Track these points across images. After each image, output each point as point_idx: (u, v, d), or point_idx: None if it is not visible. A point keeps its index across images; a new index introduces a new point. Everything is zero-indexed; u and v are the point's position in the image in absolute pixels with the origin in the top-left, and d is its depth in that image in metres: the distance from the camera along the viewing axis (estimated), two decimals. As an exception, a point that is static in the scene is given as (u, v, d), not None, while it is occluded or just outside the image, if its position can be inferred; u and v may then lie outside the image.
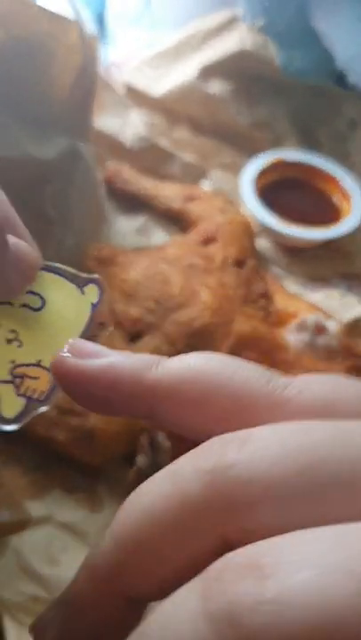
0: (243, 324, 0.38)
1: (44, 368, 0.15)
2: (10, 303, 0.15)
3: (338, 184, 0.51)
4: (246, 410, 0.12)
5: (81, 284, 0.16)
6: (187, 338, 0.37)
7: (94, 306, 0.16)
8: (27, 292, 0.16)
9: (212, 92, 0.53)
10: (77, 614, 0.12)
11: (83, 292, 0.16)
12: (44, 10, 0.41)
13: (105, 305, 0.16)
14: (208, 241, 0.44)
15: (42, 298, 0.16)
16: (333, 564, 0.09)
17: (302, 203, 0.52)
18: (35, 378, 0.15)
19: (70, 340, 0.14)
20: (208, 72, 0.53)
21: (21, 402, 0.15)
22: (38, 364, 0.15)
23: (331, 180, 0.51)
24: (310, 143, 0.55)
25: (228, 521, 0.10)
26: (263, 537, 0.10)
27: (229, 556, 0.09)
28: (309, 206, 0.51)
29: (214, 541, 0.10)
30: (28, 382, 0.15)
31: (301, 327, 0.39)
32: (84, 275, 0.16)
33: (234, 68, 0.53)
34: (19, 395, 0.15)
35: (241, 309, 0.39)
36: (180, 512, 0.11)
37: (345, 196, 0.50)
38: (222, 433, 0.11)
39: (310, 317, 0.39)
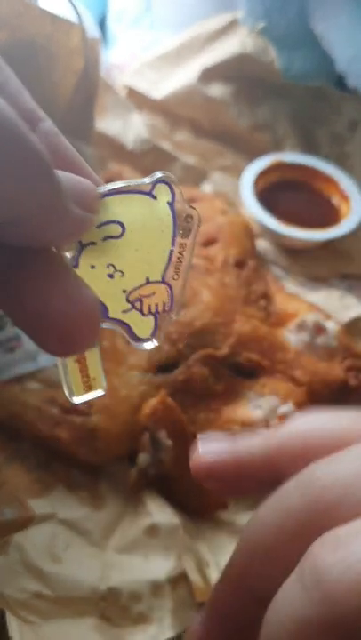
0: (243, 325, 0.38)
1: (155, 282, 0.16)
2: (93, 242, 0.15)
3: (337, 185, 0.51)
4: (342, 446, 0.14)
5: (148, 190, 0.15)
6: (188, 338, 0.37)
7: (171, 204, 0.15)
8: (103, 224, 0.15)
9: (212, 95, 0.53)
10: (216, 615, 0.15)
11: (154, 197, 0.15)
12: (47, 13, 0.41)
13: (180, 197, 0.16)
14: (209, 242, 0.44)
15: (119, 223, 0.15)
16: None
17: (302, 204, 0.52)
18: (151, 295, 0.16)
19: (199, 438, 0.16)
20: (209, 75, 0.53)
21: (150, 320, 0.16)
22: (148, 282, 0.15)
23: (330, 181, 0.52)
24: (310, 145, 0.56)
25: (322, 520, 0.12)
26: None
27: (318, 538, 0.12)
28: (309, 207, 0.52)
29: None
30: (147, 301, 0.16)
31: (301, 327, 0.39)
32: (147, 179, 0.15)
33: (234, 71, 0.53)
34: (145, 315, 0.16)
35: (241, 310, 0.39)
36: (284, 520, 0.13)
37: (344, 197, 0.50)
38: None
39: (310, 317, 0.39)
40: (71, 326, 0.13)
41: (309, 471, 0.14)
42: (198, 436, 0.17)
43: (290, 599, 0.12)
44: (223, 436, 0.17)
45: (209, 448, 0.16)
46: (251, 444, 0.16)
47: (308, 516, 0.13)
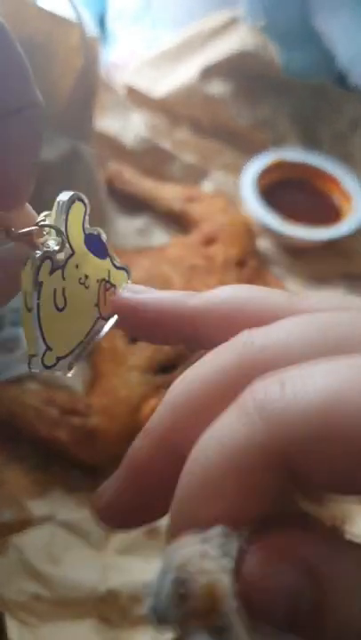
0: (243, 325, 0.38)
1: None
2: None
3: (339, 184, 0.51)
4: (270, 318, 0.14)
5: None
6: (187, 338, 0.37)
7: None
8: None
9: (212, 93, 0.53)
10: (133, 474, 0.14)
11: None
12: (46, 11, 0.41)
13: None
14: (209, 241, 0.44)
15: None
16: (345, 370, 0.11)
17: (303, 203, 0.52)
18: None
19: (127, 284, 0.17)
20: (209, 73, 0.53)
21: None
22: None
23: (331, 180, 0.51)
24: (311, 143, 0.55)
25: (256, 373, 0.12)
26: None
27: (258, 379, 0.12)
28: (310, 206, 0.51)
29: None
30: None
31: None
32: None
33: (235, 69, 0.53)
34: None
35: (241, 310, 0.39)
36: (219, 377, 0.13)
37: (346, 196, 0.50)
38: None
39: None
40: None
41: (245, 335, 0.13)
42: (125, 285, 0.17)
43: (228, 425, 0.11)
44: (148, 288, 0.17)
45: (134, 290, 0.16)
46: (177, 298, 0.15)
47: (243, 371, 0.12)
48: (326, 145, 0.55)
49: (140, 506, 0.14)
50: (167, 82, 0.54)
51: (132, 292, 0.16)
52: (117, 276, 0.17)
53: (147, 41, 0.59)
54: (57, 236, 0.16)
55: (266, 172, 0.51)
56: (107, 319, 0.17)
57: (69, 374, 0.16)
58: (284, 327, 0.13)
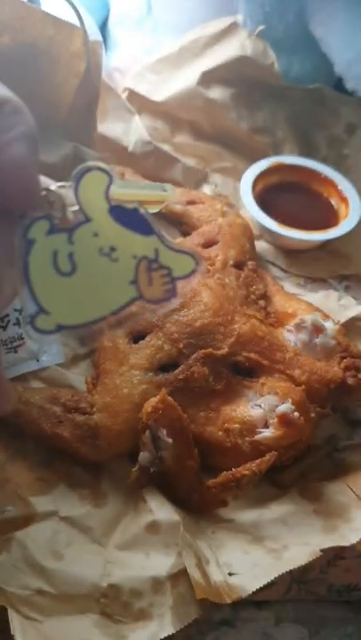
0: (243, 325, 0.39)
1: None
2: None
3: (336, 187, 0.52)
4: None
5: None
6: (188, 337, 0.37)
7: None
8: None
9: (212, 98, 0.54)
10: None
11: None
12: (49, 16, 0.41)
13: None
14: (209, 243, 0.45)
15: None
16: None
17: (301, 205, 0.52)
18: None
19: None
20: (209, 78, 0.54)
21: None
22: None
23: (329, 183, 0.52)
24: (309, 147, 0.56)
25: None
26: None
27: None
28: (308, 209, 0.52)
29: None
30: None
31: (300, 327, 0.40)
32: None
33: (234, 74, 0.54)
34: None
35: (241, 310, 0.40)
36: None
37: (343, 198, 0.51)
38: None
39: (309, 317, 0.40)
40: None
41: None
42: None
43: None
44: None
45: None
46: None
47: None
48: (324, 149, 0.56)
49: None
50: (168, 86, 0.54)
51: None
52: (175, 260, 0.16)
53: (148, 46, 0.59)
54: (57, 200, 0.15)
55: (264, 176, 0.52)
56: (154, 303, 0.16)
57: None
58: None
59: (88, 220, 0.16)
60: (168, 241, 0.16)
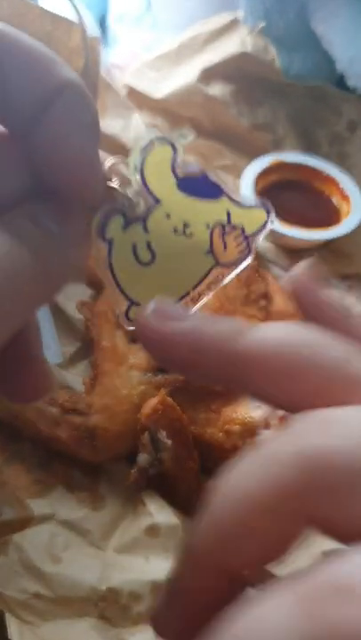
0: (243, 324, 0.38)
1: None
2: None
3: (337, 185, 0.51)
4: (334, 389, 0.12)
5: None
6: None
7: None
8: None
9: (212, 94, 0.53)
10: (183, 601, 0.13)
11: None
12: (47, 12, 0.41)
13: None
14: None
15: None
16: None
17: (302, 204, 0.52)
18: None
19: (154, 301, 0.14)
20: (209, 74, 0.53)
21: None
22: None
23: (330, 181, 0.52)
24: (310, 145, 0.56)
25: (320, 506, 0.11)
26: (347, 526, 0.11)
27: (324, 574, 0.10)
28: (309, 207, 0.51)
29: (304, 523, 0.11)
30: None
31: (302, 327, 0.39)
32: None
33: (235, 71, 0.53)
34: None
35: (242, 309, 0.39)
36: (277, 495, 0.11)
37: (344, 197, 0.50)
38: (310, 408, 0.12)
39: (310, 317, 0.39)
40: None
41: (306, 433, 0.11)
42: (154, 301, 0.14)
43: (279, 633, 0.10)
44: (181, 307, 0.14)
45: (163, 313, 0.14)
46: (222, 334, 0.13)
47: (302, 492, 0.11)
48: (325, 146, 0.56)
49: (195, 629, 0.12)
50: (168, 83, 0.54)
51: (161, 315, 0.14)
52: (247, 217, 0.15)
53: (147, 42, 0.59)
54: (125, 189, 0.14)
55: (265, 173, 0.51)
56: (233, 265, 0.15)
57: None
58: (352, 431, 0.11)
59: (157, 201, 0.14)
60: (237, 197, 0.16)
